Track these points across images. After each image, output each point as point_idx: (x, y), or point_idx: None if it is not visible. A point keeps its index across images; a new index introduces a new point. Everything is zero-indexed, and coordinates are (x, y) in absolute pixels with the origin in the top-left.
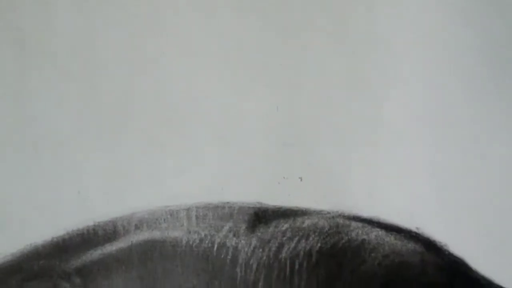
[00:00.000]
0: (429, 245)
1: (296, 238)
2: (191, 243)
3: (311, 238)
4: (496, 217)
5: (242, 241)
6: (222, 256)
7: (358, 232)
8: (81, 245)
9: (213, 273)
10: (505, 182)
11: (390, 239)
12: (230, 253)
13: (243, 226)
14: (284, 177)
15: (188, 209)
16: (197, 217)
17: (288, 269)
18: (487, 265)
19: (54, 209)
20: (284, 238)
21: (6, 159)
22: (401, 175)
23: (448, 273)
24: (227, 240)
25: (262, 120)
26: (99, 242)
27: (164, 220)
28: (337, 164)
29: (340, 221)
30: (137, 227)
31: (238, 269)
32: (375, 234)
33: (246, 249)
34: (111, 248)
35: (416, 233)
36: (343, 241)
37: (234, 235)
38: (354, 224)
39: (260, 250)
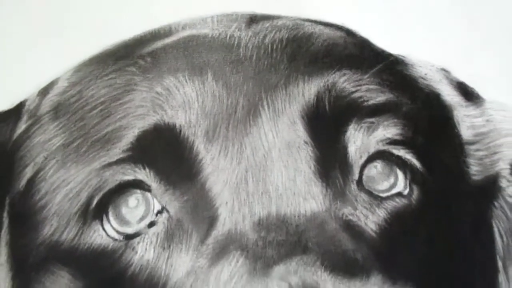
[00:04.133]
0: (348, 32)
1: (274, 31)
2: (214, 35)
3: (282, 31)
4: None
5: (243, 33)
6: (231, 42)
7: (309, 27)
8: (150, 39)
9: (227, 50)
10: None
11: (327, 30)
12: (236, 41)
13: (244, 25)
14: None
15: (212, 17)
16: (217, 21)
17: (269, 48)
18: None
19: (136, 19)
20: (267, 31)
21: None
22: None
23: (360, 47)
24: (234, 33)
25: None
26: (161, 37)
27: (198, 24)
28: None
29: (299, 21)
30: (183, 28)
31: (241, 50)
32: (318, 28)
33: (245, 38)
34: (168, 40)
35: (341, 26)
36: (301, 32)
37: (238, 30)
38: (307, 23)
39: (253, 38)
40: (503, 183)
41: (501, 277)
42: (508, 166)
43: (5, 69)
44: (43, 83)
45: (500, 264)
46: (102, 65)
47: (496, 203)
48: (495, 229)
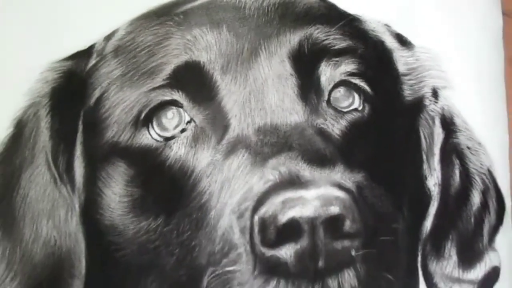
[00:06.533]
0: None
1: (267, 1)
2: (228, 0)
3: None
4: None
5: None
6: (240, 5)
7: None
8: (182, 2)
9: (236, 11)
10: None
11: None
12: (243, 4)
13: None
14: None
15: None
16: None
17: (266, 9)
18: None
19: None
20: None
21: None
22: None
23: (329, 9)
24: None
25: None
26: (190, 1)
27: None
28: None
29: None
30: None
31: (246, 10)
32: None
33: (249, 2)
34: (195, 3)
35: None
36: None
37: None
38: None
39: (255, 2)
40: (427, 102)
41: (425, 166)
42: (430, 90)
43: (79, 22)
44: (107, 32)
45: (424, 157)
46: (149, 20)
47: (422, 116)
48: (421, 133)
